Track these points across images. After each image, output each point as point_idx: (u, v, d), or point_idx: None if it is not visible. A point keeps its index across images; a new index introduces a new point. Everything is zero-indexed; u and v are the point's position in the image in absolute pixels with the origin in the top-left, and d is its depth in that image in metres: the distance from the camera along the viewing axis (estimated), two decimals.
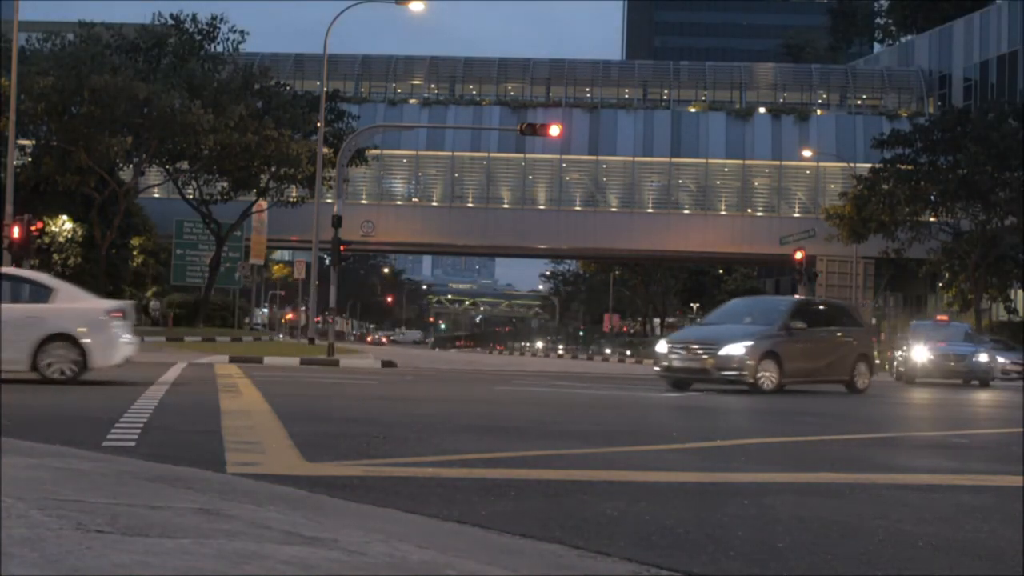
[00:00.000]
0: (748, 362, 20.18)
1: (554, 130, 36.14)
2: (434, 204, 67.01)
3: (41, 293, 15.97)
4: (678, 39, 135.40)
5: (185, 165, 49.23)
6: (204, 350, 33.13)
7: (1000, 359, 39.75)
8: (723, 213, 66.09)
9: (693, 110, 68.31)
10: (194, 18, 48.21)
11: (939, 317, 33.88)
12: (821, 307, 24.73)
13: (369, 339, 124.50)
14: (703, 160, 66.10)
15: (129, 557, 3.77)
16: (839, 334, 22.74)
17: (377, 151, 59.28)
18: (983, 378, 30.06)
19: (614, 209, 66.26)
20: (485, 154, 66.52)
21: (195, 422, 10.29)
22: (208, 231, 53.01)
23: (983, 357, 30.21)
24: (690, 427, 12.28)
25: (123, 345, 16.19)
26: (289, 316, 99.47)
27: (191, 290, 60.77)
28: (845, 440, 11.18)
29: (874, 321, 58.17)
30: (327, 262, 36.62)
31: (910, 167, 51.97)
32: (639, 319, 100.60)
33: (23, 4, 32.86)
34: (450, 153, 66.69)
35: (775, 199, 66.25)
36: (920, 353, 30.85)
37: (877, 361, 27.95)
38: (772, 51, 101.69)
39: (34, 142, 45.89)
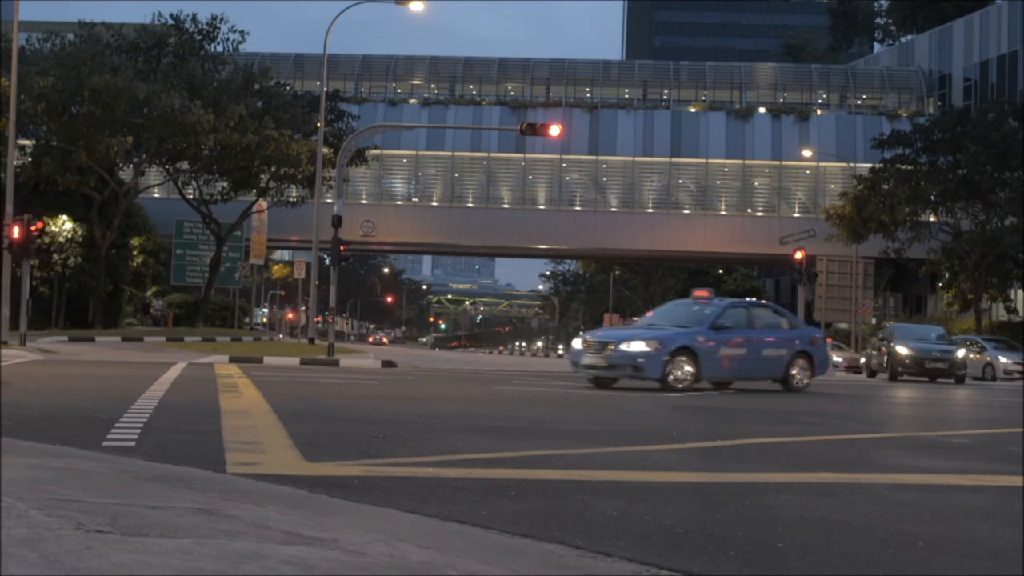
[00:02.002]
0: None
1: (554, 130, 36.14)
2: (434, 204, 67.03)
3: None
4: (678, 39, 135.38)
5: (185, 165, 49.26)
6: (204, 350, 33.13)
7: (1002, 359, 39.84)
8: (723, 213, 66.10)
9: (693, 110, 68.33)
10: (194, 18, 48.24)
11: (696, 293, 24.25)
12: None
13: (371, 339, 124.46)
14: (703, 160, 66.11)
15: (129, 557, 3.77)
16: None
17: (377, 151, 59.31)
18: (634, 376, 20.11)
19: (614, 209, 66.28)
20: (485, 154, 66.54)
21: (195, 422, 10.29)
22: (208, 231, 53.04)
23: (636, 346, 20.01)
24: (690, 427, 12.27)
25: None
26: (289, 316, 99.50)
27: (191, 290, 60.80)
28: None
29: (874, 321, 58.19)
30: (327, 262, 36.62)
31: (910, 167, 51.99)
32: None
33: (23, 4, 32.86)
34: (450, 153, 66.71)
35: (775, 199, 66.27)
36: (576, 342, 22.44)
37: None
38: (772, 51, 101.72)
39: (34, 142, 45.90)
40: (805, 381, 21.60)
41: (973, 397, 23.56)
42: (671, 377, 19.74)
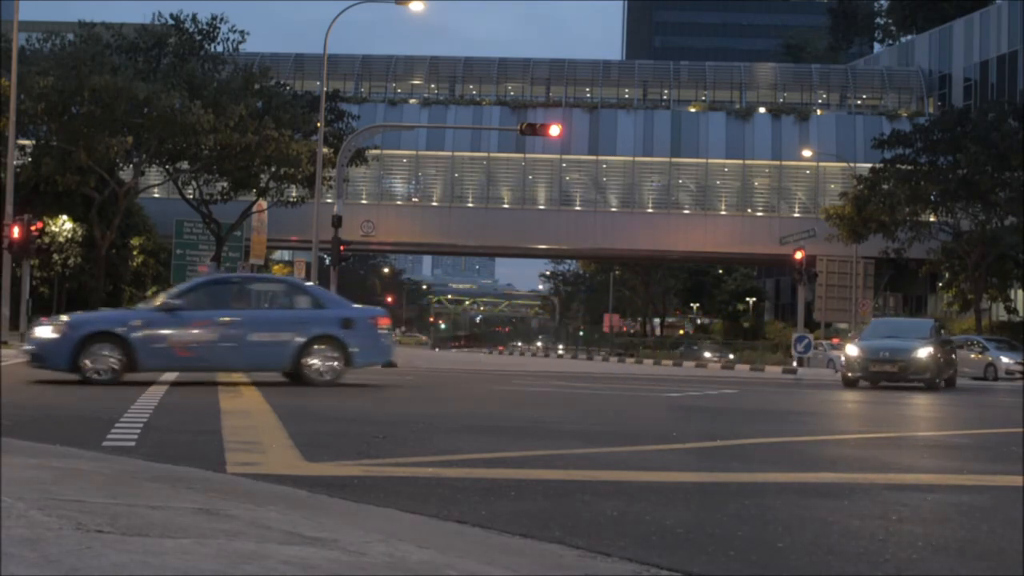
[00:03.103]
0: None
1: (554, 130, 36.16)
2: (434, 204, 67.03)
3: None
4: (678, 39, 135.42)
5: (185, 165, 49.25)
6: None
7: (1003, 359, 39.76)
8: (723, 213, 66.10)
9: (693, 110, 68.33)
10: (194, 18, 48.23)
11: (200, 268, 20.16)
12: None
13: None
14: (703, 160, 66.12)
15: (129, 557, 3.77)
16: None
17: (377, 151, 59.32)
18: (38, 366, 17.14)
19: (614, 209, 66.28)
20: (485, 154, 66.55)
21: (195, 422, 10.29)
22: (208, 231, 53.03)
23: (42, 332, 17.17)
24: (690, 427, 12.27)
25: None
26: None
27: None
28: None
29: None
30: (327, 262, 36.63)
31: (910, 167, 51.98)
32: (639, 319, 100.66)
33: (23, 4, 32.88)
34: (450, 153, 66.71)
35: (775, 199, 66.28)
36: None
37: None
38: (772, 51, 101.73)
39: (34, 142, 45.91)
40: (329, 372, 17.31)
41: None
42: (86, 369, 16.30)
